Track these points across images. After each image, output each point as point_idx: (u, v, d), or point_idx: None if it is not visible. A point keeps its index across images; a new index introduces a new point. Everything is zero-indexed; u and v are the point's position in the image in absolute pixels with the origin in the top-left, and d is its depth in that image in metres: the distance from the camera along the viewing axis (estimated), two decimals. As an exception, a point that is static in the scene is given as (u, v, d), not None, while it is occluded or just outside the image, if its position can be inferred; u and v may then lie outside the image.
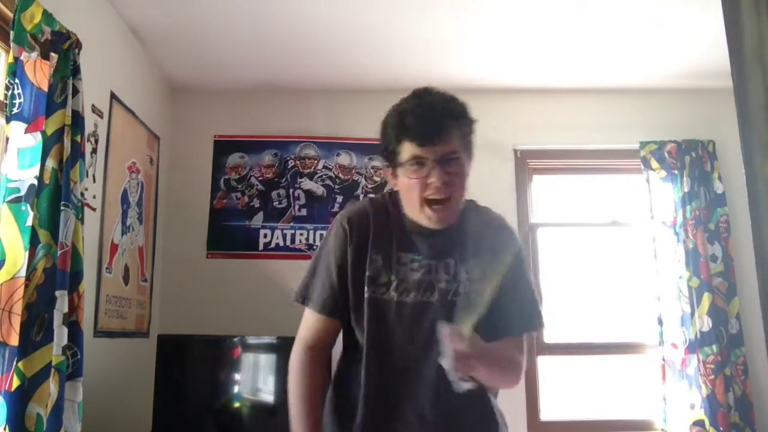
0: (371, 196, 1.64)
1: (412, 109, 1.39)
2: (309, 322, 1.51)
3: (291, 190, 3.58)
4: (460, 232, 1.48)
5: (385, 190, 1.57)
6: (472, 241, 1.47)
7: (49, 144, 1.99)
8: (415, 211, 1.43)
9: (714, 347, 3.23)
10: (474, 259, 1.44)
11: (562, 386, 3.49)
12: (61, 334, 1.93)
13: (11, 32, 1.94)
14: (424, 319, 1.42)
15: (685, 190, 3.44)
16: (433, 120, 1.37)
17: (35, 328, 1.87)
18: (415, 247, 1.46)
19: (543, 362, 3.44)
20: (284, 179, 3.59)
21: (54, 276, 1.94)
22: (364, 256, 1.46)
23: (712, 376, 3.19)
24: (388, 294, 1.43)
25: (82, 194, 2.13)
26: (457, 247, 1.46)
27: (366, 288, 1.44)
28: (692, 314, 3.29)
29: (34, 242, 1.90)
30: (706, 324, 3.27)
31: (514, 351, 1.45)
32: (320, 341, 1.50)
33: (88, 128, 2.51)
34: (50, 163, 1.99)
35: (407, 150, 1.39)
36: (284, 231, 3.52)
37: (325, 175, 3.59)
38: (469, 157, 1.46)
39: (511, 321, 1.45)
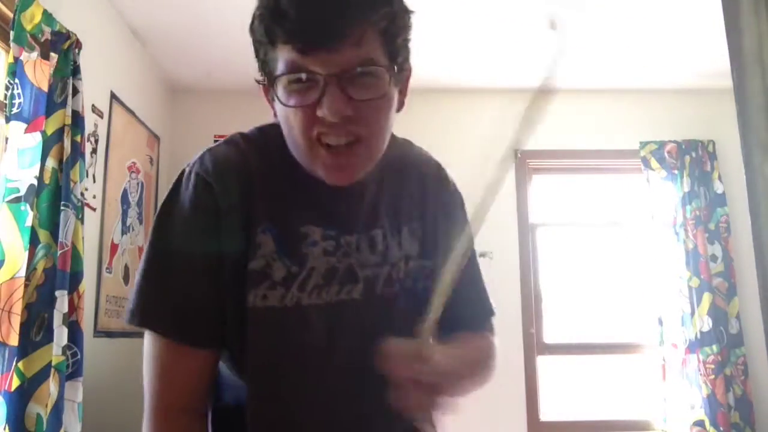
0: (242, 132, 0.98)
1: None
2: (166, 361, 0.86)
3: (291, 190, 3.57)
4: (385, 185, 0.95)
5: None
6: (405, 200, 0.96)
7: (49, 144, 1.99)
8: (302, 157, 0.85)
9: (714, 347, 3.23)
10: (408, 227, 0.95)
11: (562, 386, 3.49)
12: (61, 334, 1.93)
13: (11, 32, 1.94)
14: (346, 330, 0.88)
15: (685, 190, 3.44)
16: (329, 6, 0.77)
17: (35, 328, 1.87)
18: (324, 214, 0.89)
19: (543, 362, 3.44)
20: (284, 179, 3.58)
21: (54, 276, 1.94)
22: (245, 236, 0.86)
23: (712, 376, 3.19)
24: (288, 298, 0.86)
25: (82, 194, 2.13)
26: (385, 211, 0.94)
27: (250, 292, 0.85)
28: (692, 314, 3.29)
29: (34, 242, 1.90)
30: (706, 324, 3.27)
31: (486, 348, 1.00)
32: (194, 393, 0.87)
33: (88, 128, 2.51)
34: (50, 163, 1.99)
35: (283, 56, 0.80)
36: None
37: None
38: (399, 75, 0.85)
39: (473, 311, 1.00)
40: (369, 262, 0.91)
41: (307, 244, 0.88)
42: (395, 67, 0.83)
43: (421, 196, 0.97)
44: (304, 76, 0.79)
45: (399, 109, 0.88)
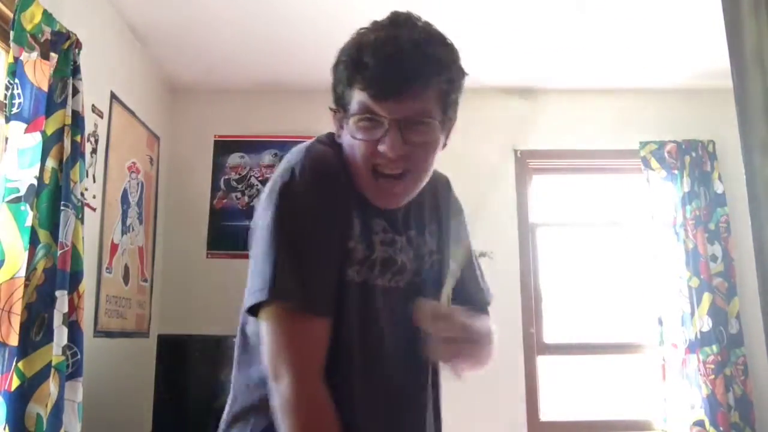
0: (320, 139, 1.11)
1: (375, 45, 0.98)
2: (308, 333, 0.98)
3: (291, 190, 3.58)
4: (432, 196, 1.17)
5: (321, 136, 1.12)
6: (425, 207, 1.15)
7: (49, 144, 1.99)
8: (359, 179, 1.03)
9: (714, 347, 3.23)
10: (428, 229, 1.15)
11: (562, 386, 3.49)
12: (61, 334, 1.93)
13: (11, 32, 1.94)
14: (395, 313, 1.07)
15: (685, 190, 3.44)
16: (402, 66, 0.96)
17: (35, 328, 1.87)
18: (383, 214, 1.07)
19: (543, 362, 3.43)
20: (284, 179, 3.58)
21: (54, 276, 1.94)
22: (348, 219, 1.03)
23: (712, 376, 3.19)
24: (368, 276, 1.04)
25: (82, 194, 2.13)
26: (413, 216, 1.13)
27: (350, 268, 1.02)
28: (692, 314, 3.29)
29: (33, 242, 1.90)
30: (706, 324, 3.27)
31: (488, 324, 1.13)
32: (322, 359, 0.99)
33: (88, 128, 2.51)
34: (50, 163, 1.99)
35: (358, 99, 0.99)
36: (284, 231, 3.52)
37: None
38: (447, 123, 1.05)
39: (475, 297, 1.19)
40: (409, 256, 1.10)
41: (375, 233, 1.05)
42: (445, 119, 1.04)
43: (435, 204, 1.17)
44: (373, 117, 0.98)
45: (442, 149, 1.08)
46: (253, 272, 1.01)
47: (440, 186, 1.20)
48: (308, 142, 1.07)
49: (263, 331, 1.00)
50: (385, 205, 1.05)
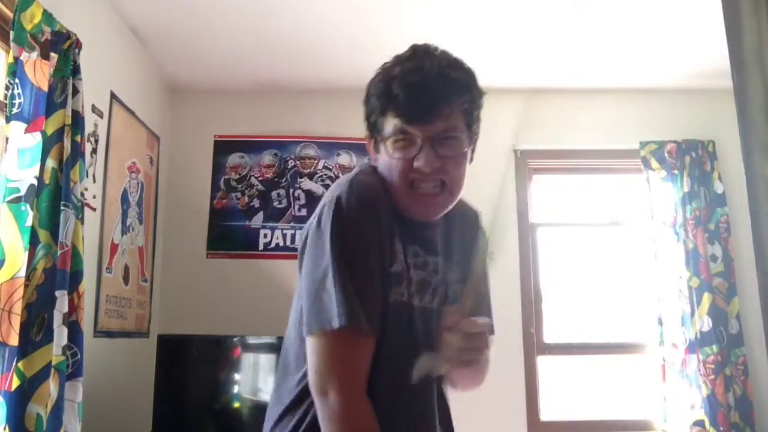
0: (363, 169, 1.21)
1: (403, 76, 1.12)
2: (356, 351, 1.07)
3: (291, 190, 3.58)
4: (444, 224, 1.24)
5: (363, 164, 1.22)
6: (455, 237, 1.25)
7: (49, 144, 1.99)
8: (398, 196, 1.15)
9: (714, 347, 3.23)
10: (457, 259, 1.24)
11: (562, 386, 3.49)
12: (61, 334, 1.93)
13: (11, 32, 1.94)
14: (429, 333, 1.16)
15: (685, 190, 3.44)
16: (428, 92, 1.10)
17: (35, 328, 1.87)
18: (418, 239, 1.18)
19: (543, 362, 3.44)
20: (284, 179, 3.59)
21: (54, 276, 1.94)
22: (392, 244, 1.13)
23: (712, 376, 3.19)
24: (406, 296, 1.14)
25: (82, 194, 2.13)
26: (443, 243, 1.23)
27: (393, 290, 1.12)
28: (692, 314, 3.29)
29: (34, 242, 1.90)
30: (706, 324, 3.27)
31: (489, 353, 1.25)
32: (367, 375, 1.09)
33: (88, 128, 2.51)
34: (50, 163, 1.99)
35: (392, 124, 1.13)
36: (284, 231, 3.52)
37: (325, 175, 3.59)
38: (472, 137, 1.19)
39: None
40: (439, 281, 1.19)
41: (412, 257, 1.16)
42: (471, 133, 1.17)
43: (463, 234, 1.26)
44: (407, 137, 1.12)
45: (470, 162, 1.20)
46: (316, 297, 1.08)
47: (469, 219, 1.31)
48: (350, 174, 1.17)
49: (310, 346, 1.08)
50: (423, 216, 1.16)
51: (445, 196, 1.16)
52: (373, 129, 1.18)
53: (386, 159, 1.15)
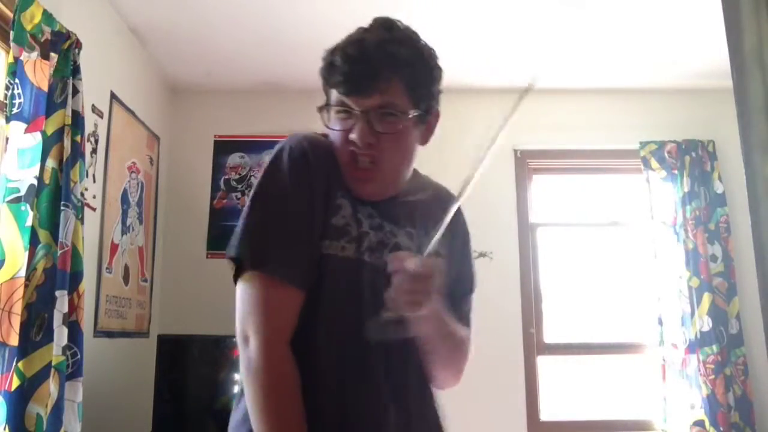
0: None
1: (345, 47, 1.12)
2: (281, 300, 1.05)
3: (291, 190, 3.58)
4: (419, 203, 1.21)
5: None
6: (433, 215, 1.18)
7: (49, 144, 1.99)
8: (342, 167, 1.14)
9: (714, 347, 3.23)
10: (435, 235, 1.17)
11: (562, 386, 3.49)
12: (61, 334, 1.93)
13: (11, 32, 1.94)
14: (379, 293, 1.06)
15: (685, 190, 3.44)
16: (364, 64, 1.08)
17: (35, 328, 1.87)
18: (370, 202, 1.15)
19: (543, 362, 3.43)
20: (284, 179, 3.59)
21: (54, 276, 1.94)
22: (328, 198, 1.11)
23: (712, 376, 3.19)
24: (358, 252, 1.10)
25: (82, 194, 2.13)
26: (419, 218, 1.19)
27: (332, 243, 1.09)
28: (692, 314, 3.29)
29: (34, 242, 1.90)
30: (706, 324, 3.27)
31: (466, 332, 1.22)
32: (291, 327, 1.05)
33: (88, 128, 2.51)
34: (50, 163, 1.99)
35: (334, 94, 1.13)
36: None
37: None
38: (422, 117, 1.15)
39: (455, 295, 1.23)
40: (408, 247, 1.14)
41: (363, 215, 1.12)
42: (415, 111, 1.12)
43: (443, 217, 1.18)
44: (345, 109, 1.11)
45: (423, 143, 1.19)
46: (234, 235, 1.09)
47: (450, 200, 1.24)
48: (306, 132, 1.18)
49: (237, 294, 1.07)
50: (360, 194, 1.13)
51: (375, 173, 1.12)
52: (326, 100, 1.17)
53: (329, 130, 1.16)
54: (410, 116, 1.12)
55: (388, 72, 1.09)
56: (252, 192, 1.11)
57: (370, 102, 1.09)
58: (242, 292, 1.06)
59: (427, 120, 1.18)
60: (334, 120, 1.13)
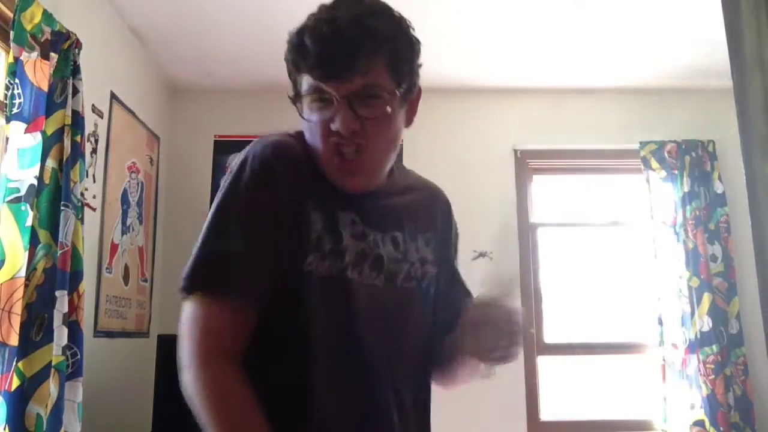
0: (289, 132, 1.11)
1: (314, 27, 0.97)
2: (222, 318, 0.96)
3: (291, 190, 3.58)
4: (405, 199, 1.12)
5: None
6: (421, 214, 1.13)
7: (49, 144, 1.99)
8: (322, 162, 1.03)
9: (714, 347, 3.23)
10: (423, 236, 1.12)
11: (562, 386, 3.48)
12: (61, 334, 1.93)
13: (11, 32, 1.94)
14: (371, 311, 1.02)
15: (685, 190, 3.43)
16: (341, 44, 0.95)
17: (35, 328, 1.87)
18: (354, 206, 1.04)
19: (543, 362, 3.43)
20: (284, 179, 3.58)
21: (54, 276, 1.94)
22: (298, 212, 1.00)
23: (712, 376, 3.19)
24: (335, 269, 1.00)
25: (82, 194, 2.13)
26: (405, 219, 1.10)
27: (306, 259, 0.98)
28: (692, 314, 3.29)
29: (34, 242, 1.90)
30: (706, 324, 3.26)
31: None
32: (231, 342, 0.97)
33: (88, 128, 2.51)
34: (50, 163, 1.99)
35: (307, 82, 1.00)
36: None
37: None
38: (406, 96, 1.04)
39: (459, 304, 1.16)
40: (393, 256, 1.06)
41: (342, 226, 1.02)
42: (399, 91, 1.01)
43: (433, 214, 1.17)
44: (322, 96, 0.98)
45: (408, 125, 1.07)
46: (190, 259, 1.00)
47: (440, 201, 1.21)
48: (274, 133, 1.07)
49: (182, 318, 1.00)
50: (348, 188, 1.03)
51: (362, 161, 1.00)
52: (294, 89, 1.04)
53: (305, 123, 1.03)
54: (395, 97, 1.00)
55: (368, 50, 0.96)
56: (212, 209, 1.00)
57: (351, 85, 0.96)
58: (186, 317, 0.98)
59: (410, 99, 1.06)
60: (308, 110, 1.01)
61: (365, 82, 0.97)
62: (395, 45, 1.00)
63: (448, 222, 1.21)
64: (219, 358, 0.94)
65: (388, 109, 0.99)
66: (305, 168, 1.02)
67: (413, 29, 1.05)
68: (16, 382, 1.80)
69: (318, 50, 0.96)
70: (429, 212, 1.16)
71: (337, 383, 0.99)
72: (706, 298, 3.28)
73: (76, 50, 2.19)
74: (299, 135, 1.07)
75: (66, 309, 1.97)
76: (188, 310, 0.98)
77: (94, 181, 2.67)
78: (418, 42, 1.05)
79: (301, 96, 1.01)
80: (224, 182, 1.02)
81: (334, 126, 0.97)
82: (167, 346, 2.99)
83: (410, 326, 1.08)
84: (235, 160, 1.03)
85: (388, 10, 1.03)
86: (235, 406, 0.91)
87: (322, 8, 1.00)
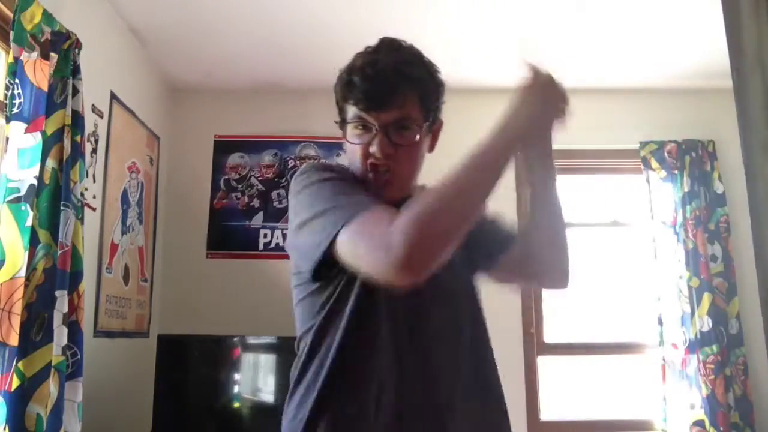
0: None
1: (362, 67, 1.21)
2: (378, 206, 1.09)
3: (291, 190, 3.58)
4: None
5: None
6: None
7: (49, 144, 1.99)
8: (360, 175, 1.24)
9: (714, 347, 3.23)
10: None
11: (562, 386, 3.49)
12: (61, 334, 1.93)
13: (11, 32, 1.94)
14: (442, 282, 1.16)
15: (685, 190, 3.44)
16: (382, 82, 1.18)
17: (35, 328, 1.87)
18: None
19: (543, 362, 3.44)
20: (284, 179, 3.59)
21: (54, 276, 1.94)
22: None
23: (712, 376, 3.19)
24: None
25: (82, 194, 2.13)
26: None
27: None
28: (692, 314, 3.29)
29: (34, 242, 1.90)
30: (706, 324, 3.26)
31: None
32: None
33: (88, 128, 2.51)
34: (50, 163, 1.99)
35: (352, 111, 1.22)
36: (284, 231, 3.51)
37: (325, 175, 3.59)
38: (431, 127, 1.27)
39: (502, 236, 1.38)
40: None
41: None
42: (426, 123, 1.24)
43: None
44: (364, 124, 1.21)
45: (430, 151, 1.29)
46: (313, 228, 1.11)
47: None
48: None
49: (346, 251, 1.06)
50: (381, 195, 1.19)
51: (393, 179, 1.21)
52: (340, 115, 1.27)
53: (348, 144, 1.25)
54: (423, 128, 1.22)
55: (404, 89, 1.19)
56: (301, 203, 1.18)
57: (388, 116, 1.18)
58: (350, 239, 1.05)
59: (434, 129, 1.29)
60: (351, 134, 1.23)
61: (399, 115, 1.19)
62: (425, 86, 1.23)
63: None
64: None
65: (417, 137, 1.21)
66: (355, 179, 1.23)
67: (440, 73, 1.27)
68: (16, 382, 1.80)
69: (363, 87, 1.18)
70: None
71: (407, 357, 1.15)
72: (706, 298, 3.28)
73: (76, 50, 2.19)
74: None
75: (66, 309, 1.97)
76: (351, 233, 1.04)
77: (94, 181, 2.67)
78: (443, 84, 1.27)
79: (347, 123, 1.24)
80: (299, 179, 1.21)
81: (372, 149, 1.19)
82: (167, 346, 3.00)
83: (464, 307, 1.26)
84: (296, 178, 1.24)
85: (420, 56, 1.26)
86: (461, 170, 1.07)
87: (367, 51, 1.24)
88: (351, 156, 1.25)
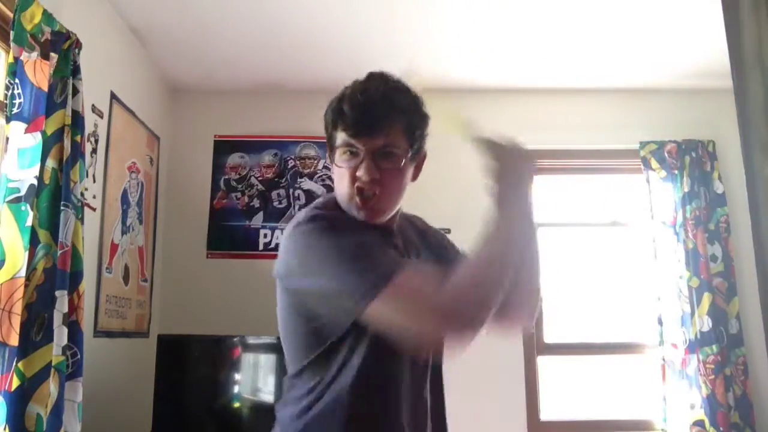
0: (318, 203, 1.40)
1: (351, 96, 1.28)
2: (420, 273, 1.18)
3: (291, 190, 3.58)
4: (402, 232, 1.41)
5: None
6: (412, 239, 1.43)
7: (49, 144, 1.99)
8: (345, 201, 1.30)
9: (714, 347, 3.23)
10: (425, 255, 1.42)
11: (562, 386, 3.49)
12: (61, 334, 1.93)
13: (11, 32, 1.94)
14: None
15: (685, 190, 3.43)
16: (370, 110, 1.25)
17: (35, 328, 1.87)
18: (389, 245, 1.33)
19: (543, 362, 3.43)
20: (284, 179, 3.59)
21: (54, 276, 1.94)
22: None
23: (712, 376, 3.19)
24: None
25: (82, 194, 2.13)
26: (403, 245, 1.38)
27: None
28: (692, 314, 3.28)
29: (34, 242, 1.90)
30: (706, 324, 3.26)
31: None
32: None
33: (88, 128, 2.51)
34: (50, 163, 1.99)
35: (341, 137, 1.28)
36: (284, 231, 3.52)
37: (326, 175, 3.59)
38: (413, 156, 1.32)
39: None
40: None
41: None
42: (411, 151, 1.30)
43: (421, 236, 1.46)
44: (352, 149, 1.26)
45: (414, 179, 1.36)
46: (333, 291, 1.18)
47: (419, 222, 1.51)
48: (315, 205, 1.34)
49: (383, 312, 1.13)
50: (368, 218, 1.28)
51: (376, 202, 1.28)
52: (329, 140, 1.33)
53: (336, 168, 1.31)
54: (408, 155, 1.28)
55: (391, 117, 1.26)
56: (324, 246, 1.21)
57: (375, 143, 1.25)
58: (385, 313, 1.13)
59: (418, 159, 1.35)
60: (340, 159, 1.28)
61: (386, 142, 1.25)
62: (411, 116, 1.29)
63: (432, 237, 1.49)
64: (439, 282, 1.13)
65: (402, 164, 1.27)
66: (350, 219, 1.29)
67: (425, 105, 1.32)
68: (16, 382, 1.80)
69: (353, 114, 1.24)
70: (419, 237, 1.45)
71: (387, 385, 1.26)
72: (706, 298, 3.28)
73: (76, 50, 2.19)
74: (328, 199, 1.35)
75: (66, 309, 1.97)
76: (390, 301, 1.12)
77: (94, 181, 2.67)
78: (428, 116, 1.33)
79: (335, 148, 1.29)
80: (299, 235, 1.25)
81: (359, 173, 1.24)
82: (167, 346, 3.00)
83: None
84: (290, 227, 1.28)
85: (407, 89, 1.31)
86: (485, 249, 1.20)
87: (357, 82, 1.30)
88: (338, 179, 1.30)
